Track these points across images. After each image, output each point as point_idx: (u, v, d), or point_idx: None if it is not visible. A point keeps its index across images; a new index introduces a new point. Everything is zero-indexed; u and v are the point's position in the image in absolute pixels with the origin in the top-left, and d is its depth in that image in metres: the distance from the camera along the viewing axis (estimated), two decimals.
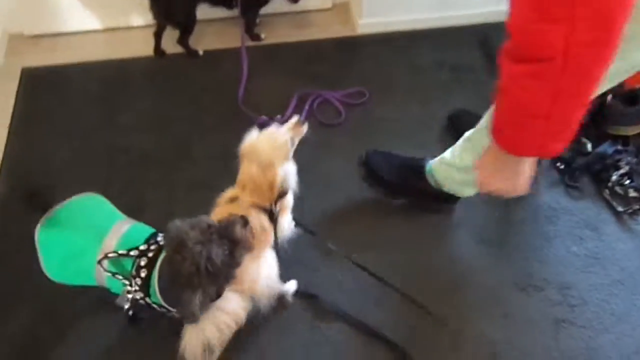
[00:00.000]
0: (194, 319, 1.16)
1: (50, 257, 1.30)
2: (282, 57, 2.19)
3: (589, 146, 1.85)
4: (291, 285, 1.54)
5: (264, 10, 2.20)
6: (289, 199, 1.45)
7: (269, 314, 1.49)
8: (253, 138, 1.37)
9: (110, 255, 1.24)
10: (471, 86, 2.07)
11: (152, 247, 1.25)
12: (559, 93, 0.85)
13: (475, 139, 1.49)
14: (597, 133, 1.88)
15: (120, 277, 1.25)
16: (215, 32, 1.98)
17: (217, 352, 1.36)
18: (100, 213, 1.36)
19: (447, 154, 1.61)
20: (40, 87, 2.07)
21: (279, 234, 1.42)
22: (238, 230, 1.18)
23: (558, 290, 1.57)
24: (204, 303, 1.16)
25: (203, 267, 1.12)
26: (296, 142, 1.44)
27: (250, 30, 2.21)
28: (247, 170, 1.34)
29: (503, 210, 1.74)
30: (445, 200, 1.70)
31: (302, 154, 1.84)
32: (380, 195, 1.76)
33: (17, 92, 2.05)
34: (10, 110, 2.00)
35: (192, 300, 1.13)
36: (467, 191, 1.64)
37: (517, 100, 0.90)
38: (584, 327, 1.50)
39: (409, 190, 1.73)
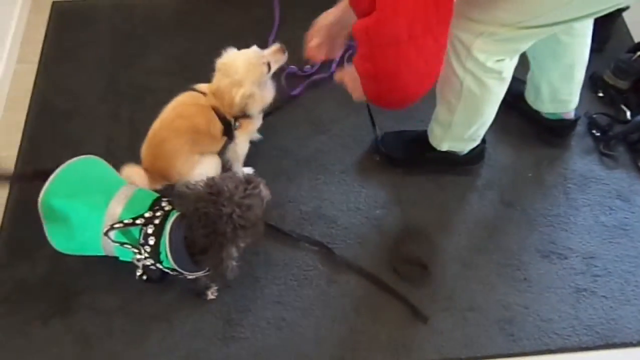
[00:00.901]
0: (232, 274, 1.19)
1: (55, 229, 1.28)
2: (316, 4, 2.12)
3: (628, 114, 1.79)
4: None
5: None
6: (254, 123, 1.52)
7: (284, 266, 1.52)
8: (231, 54, 1.46)
9: (116, 225, 1.22)
10: None
11: (158, 214, 1.24)
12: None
13: (439, 90, 1.49)
14: (637, 101, 1.81)
15: (129, 247, 1.24)
16: None
17: None
18: (102, 179, 1.34)
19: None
20: (70, 22, 2.05)
21: (233, 151, 1.53)
22: (263, 188, 1.21)
23: (582, 260, 1.55)
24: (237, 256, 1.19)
25: (250, 221, 1.15)
26: (274, 68, 1.49)
27: None
28: (217, 81, 1.45)
29: (533, 174, 1.70)
30: (463, 162, 1.67)
31: (329, 108, 1.83)
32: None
33: (47, 26, 2.04)
34: (40, 44, 1.99)
35: (233, 256, 1.16)
36: (461, 146, 1.61)
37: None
38: (605, 298, 1.49)
39: (424, 163, 1.69)
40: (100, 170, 1.36)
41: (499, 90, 1.41)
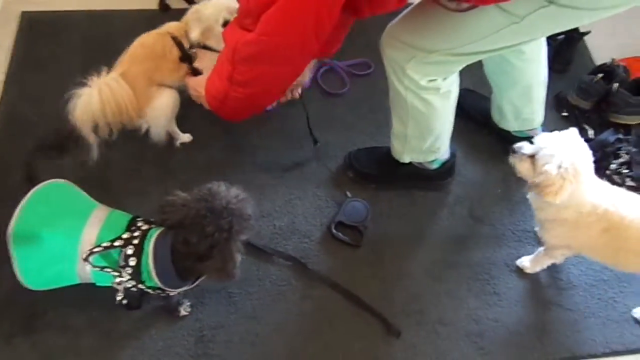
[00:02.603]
0: (237, 273, 1.21)
1: (27, 262, 1.23)
2: None
3: (590, 133, 1.86)
4: (185, 136, 1.75)
5: None
6: (211, 59, 1.54)
7: (258, 281, 1.51)
8: (203, 4, 1.58)
9: (95, 250, 1.19)
10: (478, 65, 2.04)
11: (136, 234, 1.22)
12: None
13: (391, 106, 1.54)
14: (599, 121, 1.89)
15: (110, 270, 1.21)
16: None
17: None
18: (73, 203, 1.30)
19: None
20: (40, 32, 2.01)
21: (189, 79, 1.59)
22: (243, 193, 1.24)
23: (548, 274, 1.59)
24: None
25: (247, 221, 1.19)
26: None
27: None
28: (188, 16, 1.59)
29: (502, 190, 1.75)
30: (434, 178, 1.70)
31: (303, 123, 1.84)
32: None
33: (16, 36, 1.99)
34: (9, 55, 1.94)
35: (236, 257, 1.18)
36: (422, 158, 1.64)
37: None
38: (570, 310, 1.53)
39: (395, 179, 1.72)
40: (69, 194, 1.32)
41: (442, 105, 1.46)
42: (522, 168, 1.36)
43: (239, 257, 1.21)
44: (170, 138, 1.76)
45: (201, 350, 1.41)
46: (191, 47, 1.58)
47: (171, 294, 1.29)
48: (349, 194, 1.69)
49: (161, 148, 1.74)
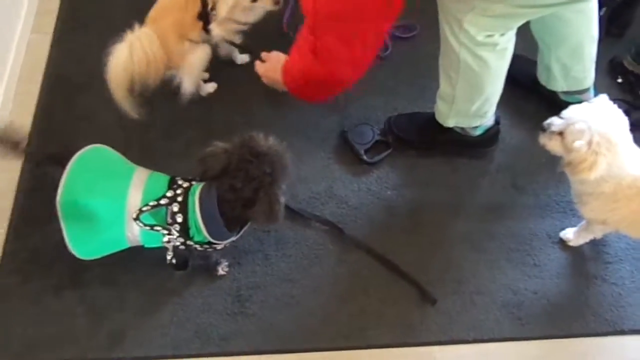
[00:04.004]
0: (282, 215, 1.24)
1: (77, 229, 1.26)
2: None
3: None
4: (209, 88, 1.80)
5: None
6: (222, 26, 1.59)
7: (295, 245, 1.53)
8: None
9: (144, 209, 1.22)
10: (525, 27, 1.95)
11: (179, 192, 1.25)
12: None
13: (440, 65, 1.49)
14: None
15: (160, 228, 1.23)
16: None
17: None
18: (114, 167, 1.32)
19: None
20: None
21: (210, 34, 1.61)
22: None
23: (593, 247, 1.54)
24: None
25: (287, 162, 1.22)
26: (260, 4, 1.57)
27: None
28: None
29: (547, 160, 1.68)
30: (476, 145, 1.66)
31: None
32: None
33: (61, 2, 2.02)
34: (55, 15, 1.98)
35: (280, 194, 1.21)
36: (467, 122, 1.59)
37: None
38: (615, 285, 1.48)
39: (436, 145, 1.68)
40: (109, 158, 1.34)
41: (497, 65, 1.40)
42: (553, 146, 1.30)
43: (283, 200, 1.23)
44: (209, 98, 1.78)
45: (238, 309, 1.44)
46: (212, 8, 1.56)
47: (218, 247, 1.31)
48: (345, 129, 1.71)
49: (200, 109, 1.76)
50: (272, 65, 1.47)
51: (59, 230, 1.34)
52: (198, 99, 1.77)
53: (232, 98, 1.79)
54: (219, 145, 1.24)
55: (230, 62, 1.84)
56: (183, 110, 1.75)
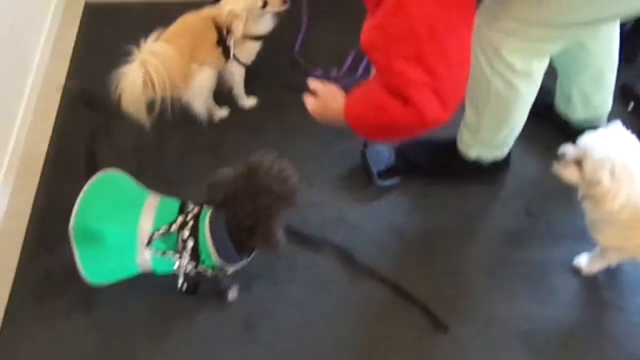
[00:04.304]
0: (283, 244, 1.22)
1: (89, 253, 1.27)
2: (344, 10, 2.13)
3: None
4: (222, 112, 1.81)
5: None
6: (249, 47, 1.70)
7: (305, 270, 1.52)
8: None
9: (155, 235, 1.23)
10: None
11: (189, 216, 1.26)
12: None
13: (467, 93, 1.44)
14: None
15: (171, 253, 1.24)
16: None
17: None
18: (126, 193, 1.34)
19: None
20: (101, 22, 2.09)
21: (229, 72, 1.73)
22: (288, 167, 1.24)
23: (608, 274, 1.51)
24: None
25: (291, 189, 1.19)
26: (269, 9, 1.64)
27: None
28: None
29: (559, 187, 1.68)
30: (489, 171, 1.65)
31: None
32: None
33: (79, 26, 2.08)
34: (72, 44, 2.03)
35: (279, 227, 1.20)
36: (490, 153, 1.58)
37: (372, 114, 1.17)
38: (632, 313, 1.45)
39: (448, 171, 1.68)
40: (122, 184, 1.36)
41: (528, 92, 1.39)
42: (569, 175, 1.28)
43: (280, 233, 1.22)
44: (221, 123, 1.80)
45: (248, 336, 1.43)
46: (227, 32, 1.63)
47: (229, 271, 1.31)
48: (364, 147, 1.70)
49: (213, 135, 1.78)
50: (327, 103, 1.31)
51: (70, 254, 1.36)
52: (211, 125, 1.79)
53: (244, 123, 1.82)
54: (224, 172, 1.24)
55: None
56: (196, 135, 1.77)
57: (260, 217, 1.19)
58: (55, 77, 1.93)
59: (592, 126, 1.67)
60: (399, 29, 0.99)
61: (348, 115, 1.23)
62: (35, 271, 1.52)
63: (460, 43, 1.04)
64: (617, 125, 1.27)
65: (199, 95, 1.68)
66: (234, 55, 1.66)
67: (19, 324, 1.45)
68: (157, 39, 1.55)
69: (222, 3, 1.63)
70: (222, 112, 1.82)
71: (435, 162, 1.68)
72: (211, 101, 1.76)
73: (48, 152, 1.76)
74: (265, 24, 1.69)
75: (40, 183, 1.68)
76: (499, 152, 1.59)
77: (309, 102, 1.34)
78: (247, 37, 1.66)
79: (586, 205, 1.34)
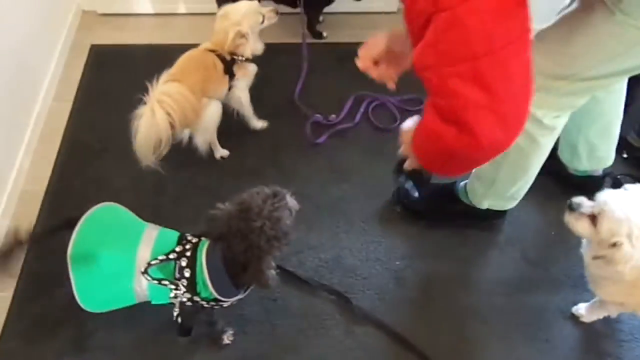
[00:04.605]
0: (274, 283, 1.21)
1: (85, 281, 1.27)
2: (343, 56, 2.17)
3: None
4: (224, 152, 1.84)
5: (328, 9, 2.20)
6: (248, 68, 1.76)
7: (301, 314, 1.50)
8: (231, 6, 1.70)
9: (152, 263, 1.23)
10: None
11: (187, 247, 1.26)
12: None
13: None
14: None
15: (167, 283, 1.24)
16: (278, 25, 1.99)
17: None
18: (125, 224, 1.35)
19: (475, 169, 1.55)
20: (107, 64, 2.14)
21: (236, 98, 1.77)
22: (289, 198, 1.23)
23: (607, 324, 1.50)
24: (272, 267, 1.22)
25: (282, 230, 1.18)
26: (267, 23, 1.74)
27: (312, 27, 2.21)
28: (217, 25, 1.69)
29: (557, 233, 1.69)
30: (487, 217, 1.65)
31: (353, 155, 1.85)
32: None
33: (84, 67, 2.12)
34: (76, 84, 2.06)
35: (272, 266, 1.19)
36: (502, 204, 1.58)
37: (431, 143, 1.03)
38: None
39: (447, 216, 1.68)
40: (121, 215, 1.37)
41: (548, 145, 1.39)
42: (580, 228, 1.25)
43: (271, 272, 1.21)
44: (219, 165, 1.82)
45: None
46: (232, 60, 1.69)
47: (225, 304, 1.30)
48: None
49: (212, 176, 1.79)
50: (407, 139, 1.18)
51: (65, 296, 1.34)
52: (209, 166, 1.81)
53: (243, 165, 1.83)
54: (220, 208, 1.24)
55: (239, 130, 1.89)
56: (195, 176, 1.79)
57: (252, 256, 1.19)
58: (57, 123, 1.95)
59: (588, 174, 1.69)
60: (454, 45, 0.87)
61: (413, 144, 1.10)
62: (27, 313, 1.50)
63: (521, 59, 0.91)
64: (638, 186, 1.24)
65: (208, 129, 1.72)
66: (237, 80, 1.74)
67: None
68: (167, 80, 1.59)
69: (217, 30, 1.69)
70: (224, 152, 1.85)
71: (433, 206, 1.69)
72: (215, 136, 1.80)
73: (46, 193, 1.76)
74: (259, 44, 1.77)
75: (36, 223, 1.68)
76: (510, 203, 1.59)
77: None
78: (247, 58, 1.74)
79: (591, 262, 1.31)
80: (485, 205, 1.58)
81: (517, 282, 1.59)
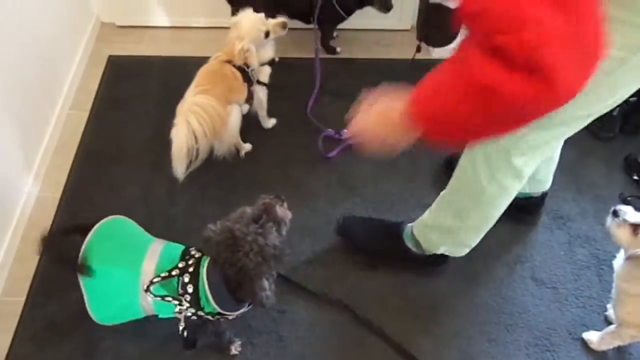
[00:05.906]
0: (270, 302, 1.20)
1: (95, 295, 1.30)
2: (356, 72, 2.21)
3: None
4: (247, 146, 1.90)
5: (342, 25, 2.23)
6: (263, 71, 1.85)
7: (309, 326, 1.51)
8: (241, 15, 1.75)
9: (155, 280, 1.25)
10: None
11: (190, 262, 1.27)
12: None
13: (452, 200, 1.42)
14: None
15: (170, 299, 1.25)
16: (292, 40, 2.03)
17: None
18: (131, 238, 1.37)
19: (425, 214, 1.52)
20: (123, 75, 2.17)
21: (257, 99, 1.86)
22: (279, 210, 1.23)
23: (617, 351, 1.49)
24: (272, 285, 1.21)
25: (269, 254, 1.16)
26: (272, 35, 1.79)
27: (325, 42, 2.24)
28: (230, 34, 1.75)
29: (566, 252, 1.68)
30: (427, 263, 1.60)
31: (364, 170, 1.86)
32: None
33: (102, 77, 2.16)
34: (94, 94, 2.10)
35: (265, 287, 1.18)
36: (460, 251, 1.55)
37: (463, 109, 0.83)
38: None
39: (387, 255, 1.63)
40: (128, 230, 1.39)
41: (516, 190, 1.34)
42: (620, 235, 1.26)
43: (265, 294, 1.19)
44: (229, 177, 1.84)
45: None
46: (247, 66, 1.76)
47: (230, 317, 1.30)
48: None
49: (222, 187, 1.81)
50: (369, 120, 1.05)
51: (77, 301, 1.36)
52: (220, 178, 1.83)
53: (253, 177, 1.85)
54: (211, 229, 1.22)
55: (251, 142, 1.93)
56: (206, 188, 1.81)
57: (243, 278, 1.18)
58: (74, 131, 1.99)
59: (532, 197, 1.68)
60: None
61: (420, 116, 0.90)
62: (39, 318, 1.52)
63: None
64: None
65: (233, 134, 1.79)
66: (257, 80, 1.82)
67: None
68: (195, 92, 1.67)
69: (228, 39, 1.75)
70: (248, 146, 1.91)
71: (373, 245, 1.64)
72: (239, 137, 1.86)
73: (61, 199, 1.79)
74: (271, 49, 1.84)
75: (51, 229, 1.70)
76: (466, 250, 1.54)
77: (355, 125, 1.07)
78: (261, 63, 1.81)
79: (621, 275, 1.31)
80: (441, 250, 1.54)
81: (526, 301, 1.59)
